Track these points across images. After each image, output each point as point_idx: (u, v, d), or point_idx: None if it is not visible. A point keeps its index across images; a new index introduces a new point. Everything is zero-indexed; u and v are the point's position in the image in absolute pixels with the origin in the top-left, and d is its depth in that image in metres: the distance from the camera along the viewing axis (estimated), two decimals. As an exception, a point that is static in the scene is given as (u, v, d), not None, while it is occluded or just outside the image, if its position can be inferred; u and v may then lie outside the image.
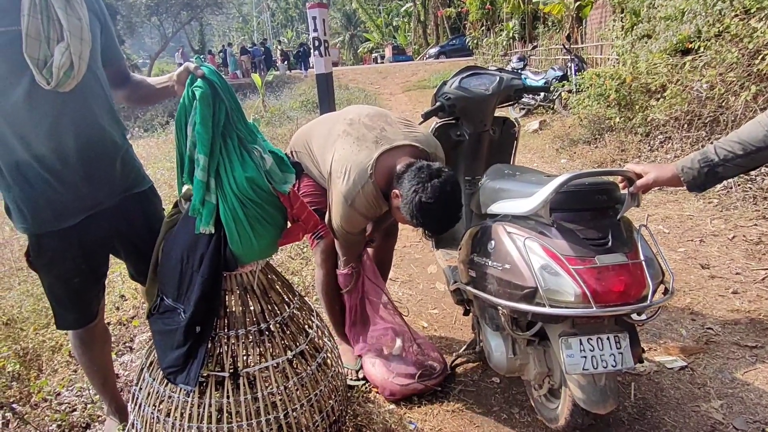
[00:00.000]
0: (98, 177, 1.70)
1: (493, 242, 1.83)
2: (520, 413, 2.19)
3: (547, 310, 1.59)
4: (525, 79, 9.72)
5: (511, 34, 14.45)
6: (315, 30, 6.12)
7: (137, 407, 1.78)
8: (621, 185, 1.72)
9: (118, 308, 3.32)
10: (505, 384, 2.38)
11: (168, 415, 1.71)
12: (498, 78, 2.62)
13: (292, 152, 2.39)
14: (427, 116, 2.61)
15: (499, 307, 1.78)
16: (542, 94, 9.06)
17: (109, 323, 3.02)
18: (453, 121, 2.73)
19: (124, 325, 3.14)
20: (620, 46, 7.01)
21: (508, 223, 1.82)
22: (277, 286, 1.91)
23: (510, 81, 2.64)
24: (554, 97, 8.78)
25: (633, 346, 1.71)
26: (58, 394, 2.47)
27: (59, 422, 2.25)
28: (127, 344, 2.95)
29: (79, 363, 2.06)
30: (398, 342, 2.45)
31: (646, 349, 2.52)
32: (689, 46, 5.60)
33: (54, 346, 2.83)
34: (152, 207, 1.94)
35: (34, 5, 1.42)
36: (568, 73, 8.57)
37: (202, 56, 1.58)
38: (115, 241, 1.86)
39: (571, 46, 9.27)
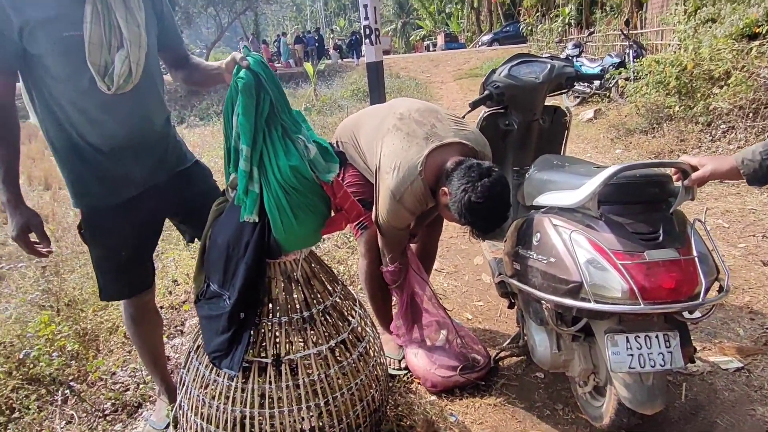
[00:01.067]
0: (147, 161, 1.80)
1: (538, 235, 1.79)
2: (563, 410, 2.14)
3: (592, 305, 1.54)
4: (580, 66, 9.40)
5: (567, 20, 13.97)
6: (366, 18, 6.14)
7: (185, 389, 1.85)
8: (675, 177, 1.64)
9: (170, 292, 3.45)
10: (549, 379, 2.33)
11: (213, 398, 1.77)
12: (549, 66, 2.55)
13: (337, 142, 2.40)
14: (474, 105, 2.57)
15: (543, 302, 1.74)
16: (597, 82, 8.76)
17: (161, 307, 3.15)
18: (502, 110, 2.67)
19: (176, 309, 3.26)
20: (682, 31, 6.67)
21: (554, 215, 1.77)
22: (321, 275, 1.93)
23: (562, 69, 2.56)
24: (611, 85, 8.46)
25: (684, 345, 1.64)
26: (113, 374, 2.59)
27: (113, 401, 2.37)
28: (178, 328, 3.06)
29: (132, 341, 2.16)
30: (442, 333, 2.44)
31: (699, 348, 2.42)
32: (756, 31, 5.29)
33: (111, 328, 2.96)
34: (200, 177, 2.03)
35: (96, 13, 1.50)
36: (626, 60, 8.23)
37: (246, 44, 1.61)
38: (169, 215, 1.99)
39: (630, 32, 8.88)
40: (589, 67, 9.02)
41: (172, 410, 2.04)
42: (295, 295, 1.85)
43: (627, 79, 7.56)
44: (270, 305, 1.82)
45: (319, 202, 1.74)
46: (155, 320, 2.13)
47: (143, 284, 2.00)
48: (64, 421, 2.25)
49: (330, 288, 1.95)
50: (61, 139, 1.68)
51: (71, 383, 2.45)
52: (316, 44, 25.64)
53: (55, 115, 1.64)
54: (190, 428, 1.81)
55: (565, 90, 2.71)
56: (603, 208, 1.63)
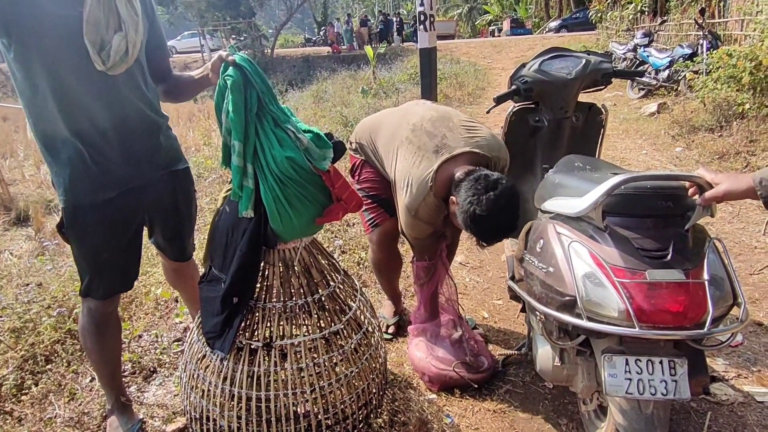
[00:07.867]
0: (136, 155, 1.76)
1: (541, 241, 1.70)
2: (567, 425, 2.05)
3: (583, 322, 1.45)
4: (647, 56, 8.89)
5: (639, 7, 13.18)
6: (421, 4, 6.13)
7: (186, 362, 1.90)
8: (691, 191, 1.50)
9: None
10: (557, 391, 2.23)
11: (211, 374, 1.80)
12: (584, 61, 2.40)
13: (356, 142, 2.39)
14: (499, 100, 2.46)
15: (537, 312, 1.66)
16: (666, 72, 8.28)
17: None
18: (532, 105, 2.55)
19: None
20: (761, 22, 6.15)
21: (561, 222, 1.67)
22: (321, 265, 1.92)
23: (597, 64, 2.41)
24: (679, 78, 7.95)
25: (696, 374, 1.51)
26: (140, 337, 2.69)
27: (133, 363, 2.46)
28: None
29: (89, 352, 2.00)
30: (458, 332, 2.38)
31: (734, 375, 2.26)
32: None
33: (146, 293, 3.06)
34: (183, 186, 1.99)
35: None
36: (699, 51, 7.70)
37: (235, 39, 1.60)
38: (145, 216, 1.92)
39: (705, 21, 8.24)
40: (657, 58, 8.53)
41: (136, 426, 2.00)
42: (292, 281, 1.85)
43: (697, 72, 7.08)
44: (266, 291, 1.84)
45: (318, 193, 1.72)
46: (119, 328, 2.05)
47: (123, 286, 1.95)
48: (89, 377, 2.36)
49: (329, 277, 1.95)
50: (51, 131, 1.63)
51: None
52: (386, 27, 25.59)
53: (42, 97, 1.58)
54: (189, 403, 1.85)
55: (601, 87, 2.55)
56: (609, 219, 1.52)
